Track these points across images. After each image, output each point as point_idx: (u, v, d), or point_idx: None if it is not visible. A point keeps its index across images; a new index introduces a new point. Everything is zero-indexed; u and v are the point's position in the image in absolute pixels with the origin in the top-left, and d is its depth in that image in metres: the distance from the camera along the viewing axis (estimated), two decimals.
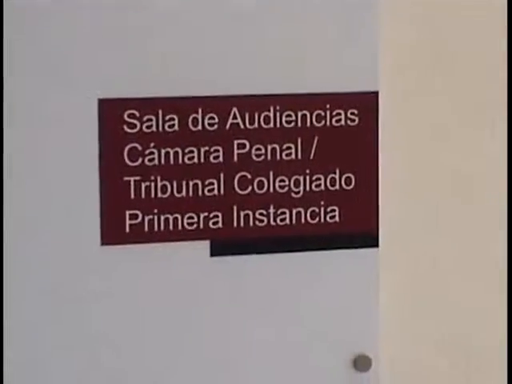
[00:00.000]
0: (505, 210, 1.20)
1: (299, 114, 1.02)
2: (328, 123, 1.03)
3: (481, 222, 1.18)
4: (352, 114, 1.03)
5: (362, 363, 1.04)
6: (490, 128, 1.20)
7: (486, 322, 1.23)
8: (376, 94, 1.03)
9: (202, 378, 1.04)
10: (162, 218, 0.99)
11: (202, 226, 1.00)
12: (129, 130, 0.97)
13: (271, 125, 1.01)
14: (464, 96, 1.19)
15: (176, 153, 0.98)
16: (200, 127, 0.99)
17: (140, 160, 0.98)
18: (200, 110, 0.99)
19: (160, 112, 0.98)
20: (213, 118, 0.99)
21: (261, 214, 1.02)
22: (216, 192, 1.00)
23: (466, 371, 1.21)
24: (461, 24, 1.17)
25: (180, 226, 0.99)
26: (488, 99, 1.19)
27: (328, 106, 1.01)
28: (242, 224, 1.02)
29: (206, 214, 1.01)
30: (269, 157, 1.02)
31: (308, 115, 1.02)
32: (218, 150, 0.99)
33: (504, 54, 1.17)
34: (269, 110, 1.01)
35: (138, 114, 0.97)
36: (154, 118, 0.98)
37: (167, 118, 0.99)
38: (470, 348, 1.20)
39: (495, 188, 1.19)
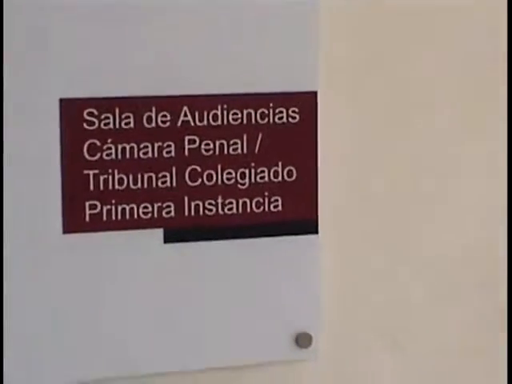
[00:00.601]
0: (443, 197, 1.29)
1: (245, 112, 1.06)
2: (271, 121, 1.07)
3: (417, 207, 1.27)
4: (293, 111, 1.07)
5: (303, 340, 1.11)
6: (425, 125, 1.29)
7: (423, 306, 1.32)
8: (315, 93, 1.08)
9: (158, 358, 1.11)
10: (119, 208, 1.03)
11: (155, 215, 1.04)
12: (88, 127, 1.00)
13: (219, 122, 1.06)
14: (400, 95, 1.28)
15: (132, 148, 1.02)
16: (154, 124, 1.03)
17: (98, 155, 1.02)
18: (154, 109, 1.03)
19: (117, 110, 1.01)
20: (165, 116, 1.03)
21: (210, 204, 1.06)
22: (168, 184, 1.05)
23: (403, 354, 1.31)
24: (398, 25, 1.25)
25: (136, 216, 1.03)
26: (427, 97, 1.27)
27: (271, 105, 1.06)
28: (192, 213, 1.06)
29: (159, 204, 1.05)
30: (217, 151, 1.06)
31: (253, 113, 1.06)
32: (170, 146, 1.04)
33: (440, 54, 1.26)
34: (217, 109, 1.05)
35: (96, 112, 1.01)
36: (111, 116, 1.02)
37: (123, 116, 1.02)
38: (406, 332, 1.30)
39: (432, 179, 1.28)
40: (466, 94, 1.25)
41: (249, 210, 1.08)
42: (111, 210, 1.03)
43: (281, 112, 1.08)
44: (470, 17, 1.25)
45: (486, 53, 1.26)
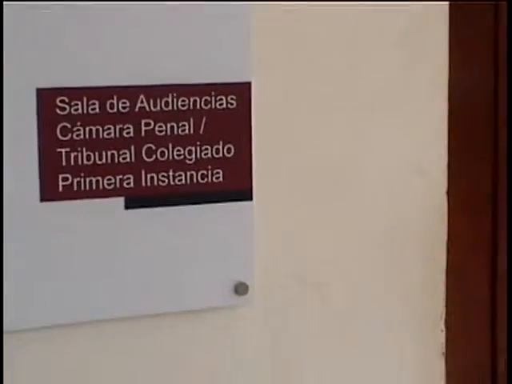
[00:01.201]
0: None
1: (191, 100, 1.23)
2: (213, 106, 1.24)
3: (340, 172, 1.39)
4: (231, 99, 1.24)
5: (240, 289, 1.29)
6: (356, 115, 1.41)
7: (349, 259, 1.42)
8: (249, 83, 1.26)
9: (115, 305, 1.23)
10: (87, 179, 1.19)
11: (117, 185, 1.21)
12: (60, 113, 1.17)
13: (170, 108, 1.22)
14: (333, 82, 1.39)
15: (97, 130, 1.18)
16: (115, 110, 1.19)
17: (69, 135, 1.18)
18: (115, 97, 1.19)
19: (84, 98, 1.18)
20: (125, 103, 1.19)
21: (163, 176, 1.22)
22: (128, 160, 1.21)
23: (329, 304, 1.43)
24: (333, 17, 1.35)
25: (101, 186, 1.20)
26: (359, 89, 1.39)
27: (213, 93, 1.23)
28: (148, 184, 1.22)
29: (120, 176, 1.21)
30: (168, 132, 1.22)
31: (198, 100, 1.23)
32: (129, 128, 1.20)
33: (370, 48, 1.38)
34: (168, 97, 1.22)
35: (67, 100, 1.17)
36: (79, 103, 1.18)
37: (90, 103, 1.18)
38: (333, 283, 1.42)
39: (352, 155, 1.42)
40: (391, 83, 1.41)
41: (195, 181, 1.25)
42: (80, 181, 1.19)
43: (221, 99, 1.25)
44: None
45: None
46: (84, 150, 1.19)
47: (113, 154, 1.21)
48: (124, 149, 1.21)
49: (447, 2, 1.42)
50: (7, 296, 1.16)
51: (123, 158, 1.21)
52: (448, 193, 1.48)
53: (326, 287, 1.42)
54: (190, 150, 1.25)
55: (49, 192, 1.18)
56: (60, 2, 1.16)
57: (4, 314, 1.15)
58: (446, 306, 1.50)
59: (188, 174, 1.26)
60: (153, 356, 1.32)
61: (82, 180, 1.20)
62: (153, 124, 1.22)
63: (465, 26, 1.46)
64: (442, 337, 1.49)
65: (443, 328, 1.49)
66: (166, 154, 1.24)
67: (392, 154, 1.44)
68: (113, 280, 1.25)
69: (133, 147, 1.22)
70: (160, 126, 1.23)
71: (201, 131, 1.25)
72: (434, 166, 1.47)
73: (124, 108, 1.20)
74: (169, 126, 1.23)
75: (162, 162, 1.23)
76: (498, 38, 1.48)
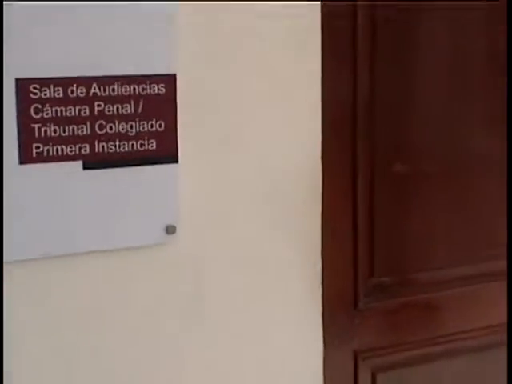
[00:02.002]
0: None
1: (131, 87, 1.44)
2: (148, 92, 1.46)
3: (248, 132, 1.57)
4: (162, 86, 1.46)
5: (170, 229, 1.51)
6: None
7: (245, 210, 1.61)
8: (175, 75, 1.48)
9: (69, 241, 1.44)
10: (54, 148, 1.40)
11: (77, 152, 1.42)
12: (33, 96, 1.38)
13: (116, 93, 1.43)
14: (237, 76, 1.57)
15: (61, 109, 1.40)
16: (75, 95, 1.41)
17: (40, 114, 1.39)
18: (75, 85, 1.41)
19: (52, 86, 1.39)
20: (82, 89, 1.41)
21: (111, 145, 1.44)
22: (85, 132, 1.42)
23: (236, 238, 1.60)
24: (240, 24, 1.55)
25: (65, 153, 1.41)
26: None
27: (148, 82, 1.45)
28: (100, 151, 1.44)
29: (79, 145, 1.42)
30: (115, 112, 1.43)
31: (137, 87, 1.45)
32: (85, 108, 1.41)
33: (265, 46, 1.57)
34: (114, 84, 1.43)
35: (38, 86, 1.38)
36: (47, 89, 1.39)
37: (56, 89, 1.40)
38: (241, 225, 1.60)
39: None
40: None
41: (135, 148, 1.47)
42: (49, 149, 1.40)
43: (154, 87, 1.47)
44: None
45: None
46: (52, 125, 1.41)
47: (73, 128, 1.42)
48: (81, 124, 1.43)
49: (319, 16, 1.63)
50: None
51: (81, 131, 1.43)
52: (322, 158, 1.71)
53: (232, 229, 1.61)
54: (131, 125, 1.46)
55: (25, 157, 1.40)
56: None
57: None
58: (322, 243, 1.73)
59: (130, 143, 1.47)
60: (104, 282, 1.50)
61: (51, 148, 1.41)
62: (103, 105, 1.44)
63: (333, 37, 1.70)
64: (319, 266, 1.73)
65: (320, 259, 1.73)
66: (114, 128, 1.45)
67: (279, 130, 1.65)
68: (71, 220, 1.45)
69: (88, 123, 1.44)
70: (108, 107, 1.44)
71: (139, 111, 1.46)
72: (311, 140, 1.68)
73: (81, 93, 1.42)
74: (115, 106, 1.45)
75: (111, 134, 1.45)
76: (356, 49, 1.75)
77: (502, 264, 1.95)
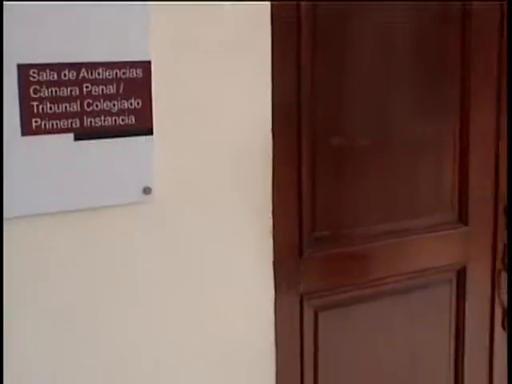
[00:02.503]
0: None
1: (114, 71, 1.57)
2: (128, 76, 1.58)
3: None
4: (139, 71, 1.59)
5: (147, 190, 1.61)
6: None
7: (210, 174, 1.71)
8: (150, 61, 1.60)
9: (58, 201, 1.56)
10: (50, 122, 1.52)
11: (69, 126, 1.54)
12: (32, 79, 1.49)
13: (101, 77, 1.56)
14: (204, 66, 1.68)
15: (56, 90, 1.51)
16: (67, 78, 1.52)
17: (38, 94, 1.50)
18: (67, 69, 1.52)
19: (47, 70, 1.50)
20: (73, 73, 1.53)
21: (97, 120, 1.56)
22: (76, 109, 1.54)
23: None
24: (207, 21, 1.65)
25: (59, 126, 1.53)
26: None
27: (128, 67, 1.58)
28: (88, 125, 1.56)
29: (71, 120, 1.54)
30: (100, 92, 1.56)
31: (118, 72, 1.57)
32: (76, 89, 1.53)
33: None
34: (99, 69, 1.55)
35: (36, 71, 1.50)
36: (44, 73, 1.50)
37: (51, 73, 1.51)
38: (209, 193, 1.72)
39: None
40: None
41: (118, 123, 1.59)
42: (46, 123, 1.53)
43: (133, 71, 1.59)
44: None
45: None
46: (47, 103, 1.52)
47: (66, 106, 1.54)
48: (72, 102, 1.54)
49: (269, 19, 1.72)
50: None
51: (72, 109, 1.55)
52: (272, 135, 1.82)
53: (197, 190, 1.72)
54: (114, 103, 1.59)
55: (26, 130, 1.52)
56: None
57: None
58: (272, 203, 1.84)
59: (113, 118, 1.59)
60: (94, 233, 1.60)
61: (47, 122, 1.53)
62: (90, 87, 1.56)
63: (280, 32, 1.82)
64: (270, 222, 1.84)
65: (271, 216, 1.84)
66: (99, 105, 1.57)
67: (237, 109, 1.76)
68: (64, 182, 1.56)
69: (78, 101, 1.55)
70: (95, 88, 1.57)
71: (120, 91, 1.58)
72: (263, 119, 1.79)
73: (72, 77, 1.54)
74: (100, 88, 1.57)
75: (97, 111, 1.57)
76: (300, 43, 1.85)
77: (419, 221, 2.15)
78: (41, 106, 1.54)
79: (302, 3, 1.84)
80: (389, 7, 1.99)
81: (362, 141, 2.06)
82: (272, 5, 1.75)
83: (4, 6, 1.42)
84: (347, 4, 1.94)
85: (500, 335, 2.33)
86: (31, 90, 1.53)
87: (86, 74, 1.58)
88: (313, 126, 1.94)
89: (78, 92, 1.57)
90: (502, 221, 2.27)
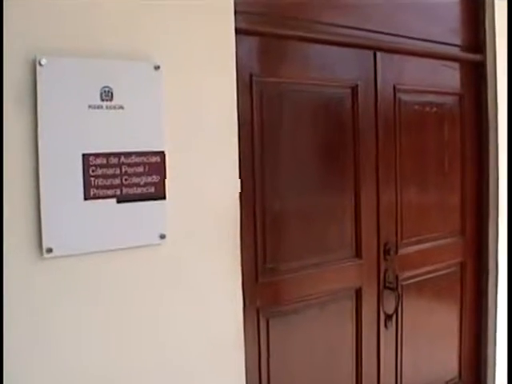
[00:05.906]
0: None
1: (142, 158, 1.73)
2: (151, 160, 1.74)
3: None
4: (157, 158, 1.74)
5: (162, 236, 1.77)
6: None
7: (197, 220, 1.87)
8: (163, 151, 1.76)
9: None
10: (101, 191, 1.69)
11: (113, 194, 1.71)
12: (91, 163, 1.67)
13: (133, 161, 1.72)
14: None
15: (105, 170, 1.69)
16: (112, 162, 1.69)
17: (94, 172, 1.68)
18: (112, 156, 1.69)
19: (100, 157, 1.67)
20: (115, 159, 1.70)
21: (131, 189, 1.73)
22: (118, 183, 1.71)
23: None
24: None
25: (107, 194, 1.70)
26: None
27: (150, 154, 1.74)
28: (126, 193, 1.72)
29: (114, 190, 1.70)
30: (133, 171, 1.74)
31: (145, 157, 1.73)
32: (117, 169, 1.71)
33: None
34: (132, 156, 1.71)
35: (94, 157, 1.67)
36: (97, 159, 1.67)
37: (102, 159, 1.67)
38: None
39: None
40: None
41: (144, 191, 1.74)
42: (99, 192, 1.70)
43: (153, 157, 1.78)
44: None
45: None
46: (100, 178, 1.71)
47: (111, 181, 1.73)
48: (115, 178, 1.72)
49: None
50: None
51: (115, 182, 1.72)
52: (240, 195, 1.95)
53: (194, 239, 1.84)
54: (141, 179, 1.76)
55: (87, 195, 1.69)
56: None
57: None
58: (241, 246, 1.95)
59: (141, 188, 1.75)
60: (114, 275, 1.71)
61: (100, 191, 1.71)
62: (127, 168, 1.73)
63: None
64: (239, 259, 1.92)
65: (239, 254, 1.94)
66: (133, 180, 1.74)
67: (222, 185, 1.86)
68: (107, 228, 1.68)
69: (119, 177, 1.73)
70: (130, 169, 1.74)
71: (146, 170, 1.76)
72: (234, 191, 1.91)
73: (115, 162, 1.72)
74: (133, 168, 1.74)
75: (131, 184, 1.74)
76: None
77: (331, 256, 2.32)
78: (96, 181, 1.75)
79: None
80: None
81: (291, 206, 2.21)
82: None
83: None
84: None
85: (383, 333, 2.53)
86: (90, 170, 1.74)
87: (123, 159, 1.77)
88: (262, 196, 2.13)
89: (118, 171, 1.77)
90: (382, 256, 2.52)
